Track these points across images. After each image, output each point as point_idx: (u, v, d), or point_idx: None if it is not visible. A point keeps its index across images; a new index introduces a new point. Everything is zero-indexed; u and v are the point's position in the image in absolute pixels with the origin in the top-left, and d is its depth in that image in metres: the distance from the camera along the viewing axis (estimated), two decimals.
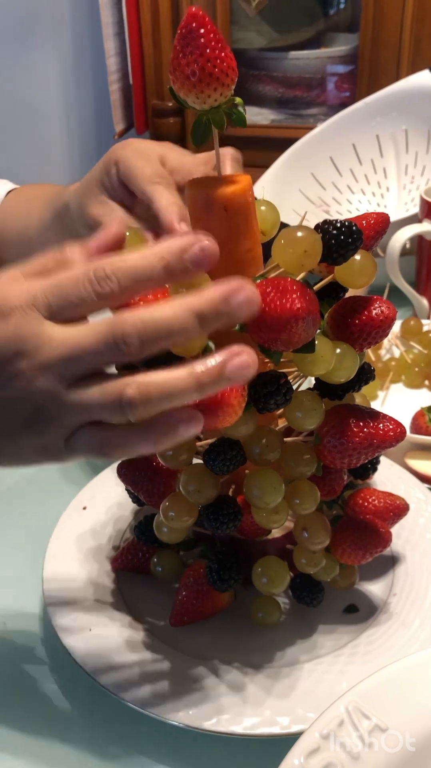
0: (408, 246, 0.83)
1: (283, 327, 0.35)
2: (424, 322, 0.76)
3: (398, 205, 1.01)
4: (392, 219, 0.85)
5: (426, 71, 0.96)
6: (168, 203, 0.50)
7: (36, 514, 0.58)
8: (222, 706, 0.40)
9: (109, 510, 0.55)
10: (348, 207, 1.01)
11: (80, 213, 0.57)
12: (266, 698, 0.41)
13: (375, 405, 0.68)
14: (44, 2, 1.54)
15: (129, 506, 0.54)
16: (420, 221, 0.79)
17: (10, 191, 0.73)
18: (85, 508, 0.55)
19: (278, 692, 0.41)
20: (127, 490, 0.49)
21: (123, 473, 0.47)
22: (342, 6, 1.50)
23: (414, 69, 1.19)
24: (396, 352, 0.74)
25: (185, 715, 0.40)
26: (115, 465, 0.52)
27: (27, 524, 0.58)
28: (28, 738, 0.42)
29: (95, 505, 0.55)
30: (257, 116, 1.41)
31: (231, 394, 0.35)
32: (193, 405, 0.34)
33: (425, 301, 0.80)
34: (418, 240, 0.81)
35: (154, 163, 0.54)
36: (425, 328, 0.75)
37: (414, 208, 0.83)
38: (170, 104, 1.44)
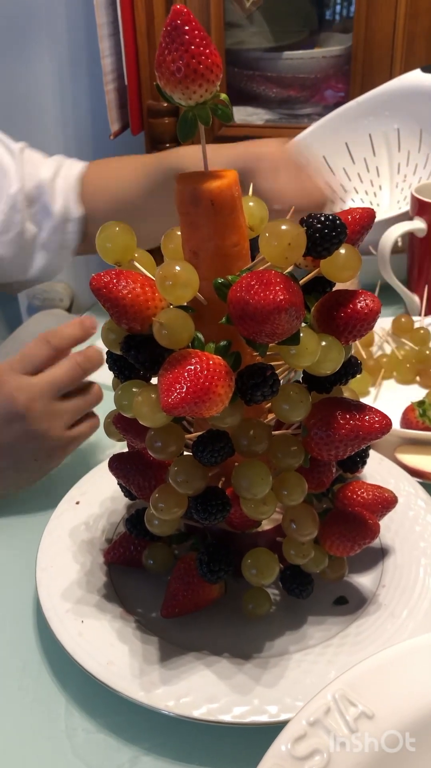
0: (399, 243, 0.84)
1: (266, 318, 0.35)
2: (415, 318, 0.76)
3: (390, 203, 1.01)
4: (384, 217, 0.86)
5: (417, 70, 0.97)
6: None
7: (30, 508, 0.59)
8: (211, 696, 0.41)
9: (102, 504, 0.55)
10: (341, 206, 1.02)
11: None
12: (255, 687, 0.41)
13: (367, 401, 0.69)
14: (39, 3, 1.55)
15: (121, 500, 0.55)
16: (411, 219, 0.80)
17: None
18: (78, 503, 0.55)
19: (267, 682, 0.42)
20: (119, 484, 0.50)
21: (114, 467, 0.47)
22: (336, 6, 1.51)
23: (407, 68, 1.19)
24: (388, 349, 0.74)
25: (175, 705, 0.40)
26: (107, 460, 0.53)
27: (20, 518, 0.58)
28: (18, 727, 0.43)
29: (88, 500, 0.55)
30: (251, 116, 1.42)
31: (218, 383, 0.35)
32: (182, 395, 0.35)
33: (416, 298, 0.81)
34: (409, 237, 0.82)
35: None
36: (416, 325, 0.75)
37: (406, 206, 0.84)
38: (165, 104, 1.44)
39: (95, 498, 0.56)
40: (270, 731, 0.36)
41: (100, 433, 0.67)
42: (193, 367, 0.36)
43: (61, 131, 1.65)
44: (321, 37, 1.48)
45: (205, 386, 0.35)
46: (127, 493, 0.50)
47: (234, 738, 0.41)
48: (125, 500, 0.55)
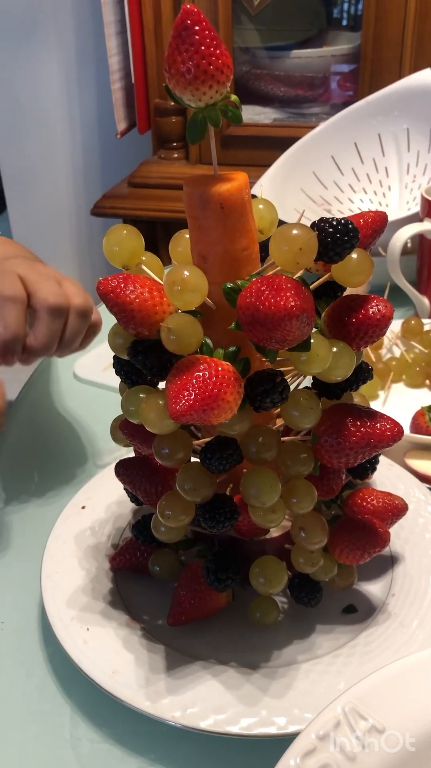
0: (409, 245, 0.83)
1: (277, 325, 0.34)
2: (425, 321, 0.76)
3: (400, 204, 1.00)
4: (393, 218, 0.85)
5: (427, 70, 0.96)
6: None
7: (35, 513, 0.58)
8: (219, 706, 0.40)
9: (108, 509, 0.55)
10: (349, 206, 1.01)
11: None
12: (263, 698, 0.41)
13: (376, 405, 0.68)
14: (46, 2, 1.54)
15: (128, 505, 0.54)
16: (421, 220, 0.79)
17: None
18: (83, 507, 0.55)
19: (275, 692, 0.41)
20: (125, 489, 0.49)
21: (121, 473, 0.46)
22: (344, 4, 1.50)
23: (416, 67, 1.19)
24: (397, 352, 0.74)
25: (182, 716, 0.40)
26: (114, 464, 0.52)
27: (26, 523, 0.58)
28: (23, 737, 0.42)
29: (94, 505, 0.55)
30: (259, 115, 1.41)
31: (227, 390, 0.35)
32: (190, 402, 0.34)
33: (426, 301, 0.80)
34: (419, 239, 0.81)
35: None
36: (426, 328, 0.75)
37: (416, 207, 0.83)
38: (172, 103, 1.43)
39: (101, 503, 0.55)
40: (278, 743, 0.36)
41: (105, 437, 0.67)
42: (201, 374, 0.35)
43: (68, 130, 1.65)
44: (329, 35, 1.47)
45: (214, 393, 0.34)
46: (134, 498, 0.50)
47: (242, 749, 0.41)
48: (131, 505, 0.54)
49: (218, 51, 0.33)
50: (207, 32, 0.33)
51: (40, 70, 1.61)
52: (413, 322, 0.75)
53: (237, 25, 1.38)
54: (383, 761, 0.34)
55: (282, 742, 0.35)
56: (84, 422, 0.70)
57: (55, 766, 0.41)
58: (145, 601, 0.48)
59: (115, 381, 0.44)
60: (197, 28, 0.33)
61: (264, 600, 0.45)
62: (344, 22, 1.50)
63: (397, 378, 0.71)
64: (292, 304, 0.34)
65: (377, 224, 0.41)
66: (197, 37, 0.33)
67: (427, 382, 0.71)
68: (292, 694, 0.41)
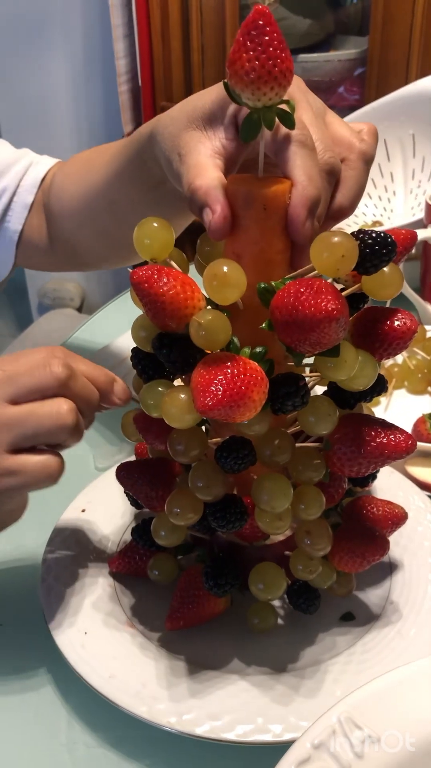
0: (413, 251, 0.83)
1: (315, 326, 0.34)
2: (428, 328, 0.75)
3: (404, 209, 1.00)
4: (398, 223, 0.85)
5: None
6: (305, 179, 0.38)
7: (34, 515, 0.58)
8: (215, 713, 0.40)
9: (108, 512, 0.55)
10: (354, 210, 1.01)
11: (172, 143, 0.44)
12: (259, 705, 0.41)
13: (378, 411, 0.68)
14: (55, 4, 1.55)
15: (127, 509, 0.54)
16: (425, 226, 0.79)
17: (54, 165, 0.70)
18: (83, 511, 0.55)
19: (271, 699, 0.41)
20: (125, 492, 0.49)
21: (122, 476, 0.47)
22: (350, 6, 1.50)
23: (423, 72, 1.19)
24: (399, 358, 0.73)
25: (178, 721, 0.40)
26: (114, 468, 0.52)
27: (25, 526, 0.58)
28: (21, 742, 0.42)
29: (94, 508, 0.55)
30: None
31: (253, 389, 0.35)
32: (218, 397, 0.34)
33: (429, 307, 0.80)
34: (423, 245, 0.81)
35: (308, 115, 0.42)
36: (428, 335, 0.75)
37: (421, 213, 0.83)
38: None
39: (101, 506, 0.55)
40: (274, 751, 0.36)
41: (106, 440, 0.67)
42: (230, 371, 0.35)
43: (75, 132, 1.65)
44: (336, 39, 1.47)
45: (242, 390, 0.35)
46: (134, 502, 0.50)
47: (238, 756, 0.41)
48: (131, 509, 0.54)
49: (284, 54, 0.34)
50: (275, 35, 0.34)
51: (48, 72, 1.62)
52: None
53: None
54: None
55: (278, 749, 0.35)
56: None
57: None
58: (143, 605, 0.48)
59: None
60: (268, 29, 0.33)
61: (262, 606, 0.45)
62: (352, 27, 1.50)
63: (399, 384, 0.71)
64: (332, 306, 0.34)
65: (407, 242, 0.41)
66: (266, 38, 0.33)
67: (429, 389, 0.71)
68: (288, 701, 0.41)
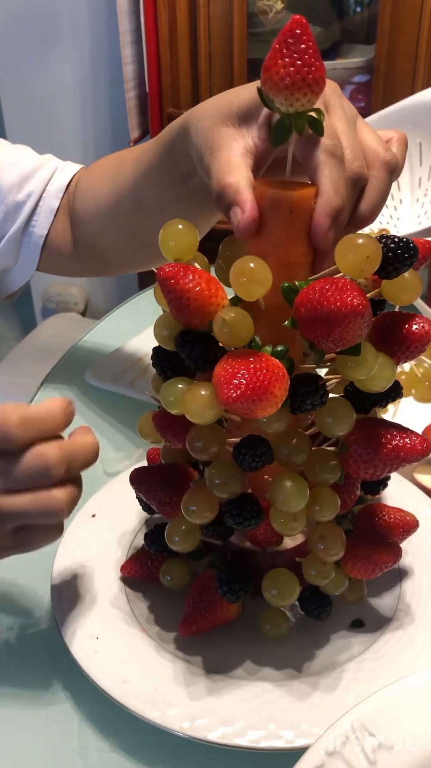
0: None
1: (340, 322, 0.35)
2: None
3: (410, 218, 1.01)
4: (404, 232, 0.85)
5: None
6: (332, 190, 0.39)
7: None
8: (227, 718, 0.40)
9: (118, 518, 0.55)
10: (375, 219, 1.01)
11: (204, 137, 0.44)
12: (271, 711, 0.41)
13: (386, 418, 0.68)
14: (63, 10, 1.56)
15: (138, 514, 0.55)
16: None
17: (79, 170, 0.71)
18: (94, 516, 0.55)
19: (283, 706, 0.41)
20: (137, 498, 0.49)
21: (136, 481, 0.47)
22: (357, 14, 1.51)
23: (430, 81, 1.19)
24: (407, 366, 0.74)
25: (190, 727, 0.40)
26: (126, 473, 0.53)
27: None
28: (34, 746, 0.42)
29: (104, 513, 0.55)
30: None
31: (275, 384, 0.35)
32: (241, 390, 0.35)
33: None
34: None
35: (341, 123, 0.42)
36: None
37: (427, 222, 0.83)
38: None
39: (111, 511, 0.55)
40: (286, 757, 0.36)
41: (116, 445, 0.67)
42: (252, 366, 0.36)
43: (81, 137, 1.66)
44: (343, 47, 1.48)
45: (264, 385, 0.35)
46: (146, 507, 0.50)
47: (250, 762, 0.41)
48: (142, 514, 0.54)
49: (318, 62, 0.35)
50: (311, 44, 0.35)
51: (55, 77, 1.63)
52: None
53: (252, 37, 1.39)
54: None
55: (289, 755, 0.35)
56: (94, 429, 0.70)
57: None
58: (155, 611, 0.48)
59: (126, 388, 0.45)
60: (304, 37, 0.35)
61: (274, 612, 0.46)
62: (358, 35, 1.50)
63: (406, 392, 0.71)
64: (358, 302, 0.35)
65: (427, 250, 0.42)
66: (303, 46, 0.35)
67: None
68: (300, 707, 0.41)
